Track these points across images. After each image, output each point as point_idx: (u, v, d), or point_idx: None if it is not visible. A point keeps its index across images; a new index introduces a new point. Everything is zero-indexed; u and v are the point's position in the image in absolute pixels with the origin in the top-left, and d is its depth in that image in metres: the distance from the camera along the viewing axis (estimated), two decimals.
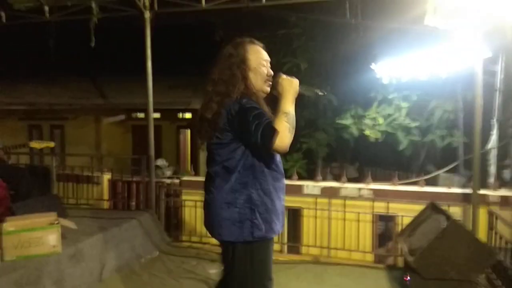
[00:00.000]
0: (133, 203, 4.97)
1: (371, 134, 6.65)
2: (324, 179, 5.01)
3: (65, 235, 3.39)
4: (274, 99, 1.81)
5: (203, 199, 4.73)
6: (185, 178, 4.99)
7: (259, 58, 1.89)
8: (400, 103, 6.43)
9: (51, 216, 3.33)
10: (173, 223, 4.82)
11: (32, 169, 4.92)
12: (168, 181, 5.00)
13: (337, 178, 5.27)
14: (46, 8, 5.04)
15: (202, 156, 8.36)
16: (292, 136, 1.69)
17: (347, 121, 6.87)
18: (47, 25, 5.36)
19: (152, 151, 4.72)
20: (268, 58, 1.92)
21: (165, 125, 9.28)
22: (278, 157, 1.90)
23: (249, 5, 4.63)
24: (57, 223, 3.26)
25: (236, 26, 7.62)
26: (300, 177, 4.93)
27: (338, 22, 5.01)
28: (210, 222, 1.90)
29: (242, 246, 1.80)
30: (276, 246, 4.43)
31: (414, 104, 6.42)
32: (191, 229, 4.75)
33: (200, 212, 4.68)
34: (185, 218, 4.80)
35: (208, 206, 1.91)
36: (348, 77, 6.66)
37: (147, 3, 4.68)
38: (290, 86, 1.78)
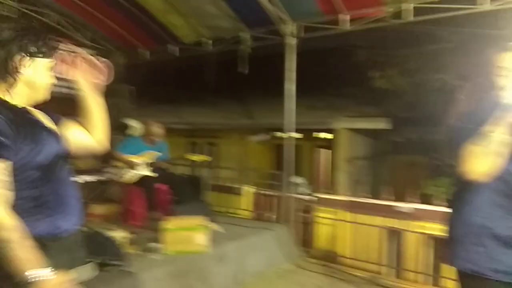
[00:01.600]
0: (273, 216, 5.26)
1: None
2: None
3: (212, 237, 3.83)
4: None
5: (337, 217, 4.70)
6: (320, 195, 5.07)
7: (495, 66, 1.62)
8: None
9: (203, 219, 3.82)
10: (307, 239, 4.94)
11: (191, 179, 5.70)
12: (305, 197, 5.16)
13: None
14: (208, 41, 5.86)
15: (340, 175, 8.35)
16: (488, 162, 1.46)
17: None
18: (207, 55, 6.20)
19: (290, 168, 4.97)
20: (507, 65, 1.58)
21: (305, 145, 9.57)
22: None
23: (393, 23, 4.55)
24: (207, 226, 3.72)
25: (380, 45, 7.50)
26: None
27: (495, 35, 4.50)
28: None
29: (459, 276, 1.63)
30: (417, 277, 4.15)
31: None
32: (325, 246, 4.77)
33: (334, 230, 4.69)
34: (320, 235, 4.86)
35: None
36: None
37: (292, 31, 5.02)
38: None
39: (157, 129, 4.84)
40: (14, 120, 1.38)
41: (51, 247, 1.48)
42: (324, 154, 9.48)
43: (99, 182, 4.23)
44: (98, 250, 3.05)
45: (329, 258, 4.60)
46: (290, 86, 5.07)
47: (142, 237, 4.02)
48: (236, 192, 5.67)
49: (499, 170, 1.49)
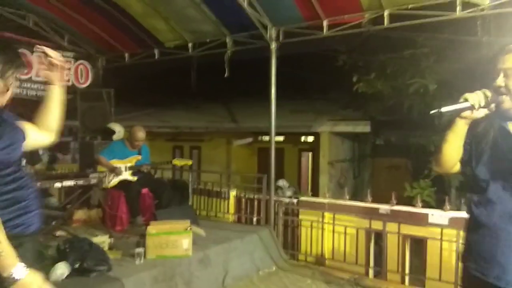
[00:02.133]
0: (255, 219, 5.31)
1: None
2: (458, 210, 4.61)
3: (195, 241, 3.85)
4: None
5: (319, 219, 4.76)
6: (303, 198, 5.14)
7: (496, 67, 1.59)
8: None
9: (186, 223, 3.83)
10: (290, 241, 5.00)
11: (173, 182, 5.71)
12: (287, 200, 5.22)
13: None
14: (190, 45, 5.89)
15: (323, 178, 8.46)
16: (437, 158, 1.66)
17: None
18: (190, 59, 6.22)
19: (272, 171, 5.03)
20: (506, 66, 1.54)
21: (288, 148, 9.66)
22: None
23: (371, 29, 4.67)
24: (190, 230, 3.74)
25: (360, 50, 7.65)
26: (428, 207, 4.65)
27: (470, 41, 4.66)
28: None
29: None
30: (396, 277, 4.26)
31: None
32: (307, 249, 4.84)
33: (317, 232, 4.76)
34: (302, 237, 4.93)
35: None
36: None
37: (273, 35, 5.09)
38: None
39: (140, 133, 4.84)
40: None
41: (26, 244, 1.56)
42: (307, 157, 9.59)
43: (81, 187, 4.19)
44: (82, 256, 3.04)
45: (313, 260, 4.67)
46: (272, 90, 5.14)
47: (125, 242, 4.01)
48: (219, 195, 5.70)
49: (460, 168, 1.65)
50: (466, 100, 1.53)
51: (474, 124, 1.58)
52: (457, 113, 1.55)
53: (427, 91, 6.50)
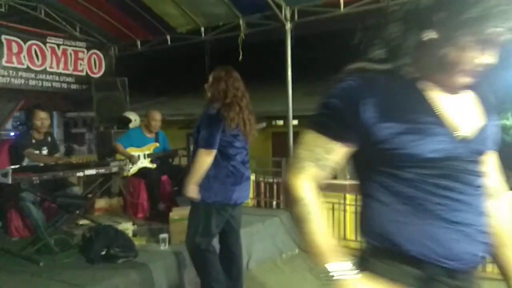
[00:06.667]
0: (275, 202, 5.27)
1: None
2: None
3: None
4: None
5: (341, 201, 4.71)
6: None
7: None
8: None
9: None
10: None
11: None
12: None
13: None
14: (202, 29, 5.80)
15: None
16: None
17: (509, 121, 6.05)
18: (202, 44, 6.14)
19: (291, 155, 4.97)
20: None
21: (302, 132, 9.56)
22: None
23: (390, 4, 4.50)
24: None
25: (378, 28, 7.46)
26: None
27: None
28: None
29: None
30: None
31: None
32: (331, 230, 4.79)
33: (337, 214, 4.72)
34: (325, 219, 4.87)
35: None
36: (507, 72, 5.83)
37: (288, 15, 4.97)
38: None
39: (157, 114, 4.84)
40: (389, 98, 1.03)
41: None
42: None
43: (102, 175, 4.20)
44: (109, 242, 3.05)
45: (336, 242, 4.62)
46: (288, 72, 5.05)
47: (147, 228, 4.02)
48: None
49: None
50: None
51: None
52: None
53: None
